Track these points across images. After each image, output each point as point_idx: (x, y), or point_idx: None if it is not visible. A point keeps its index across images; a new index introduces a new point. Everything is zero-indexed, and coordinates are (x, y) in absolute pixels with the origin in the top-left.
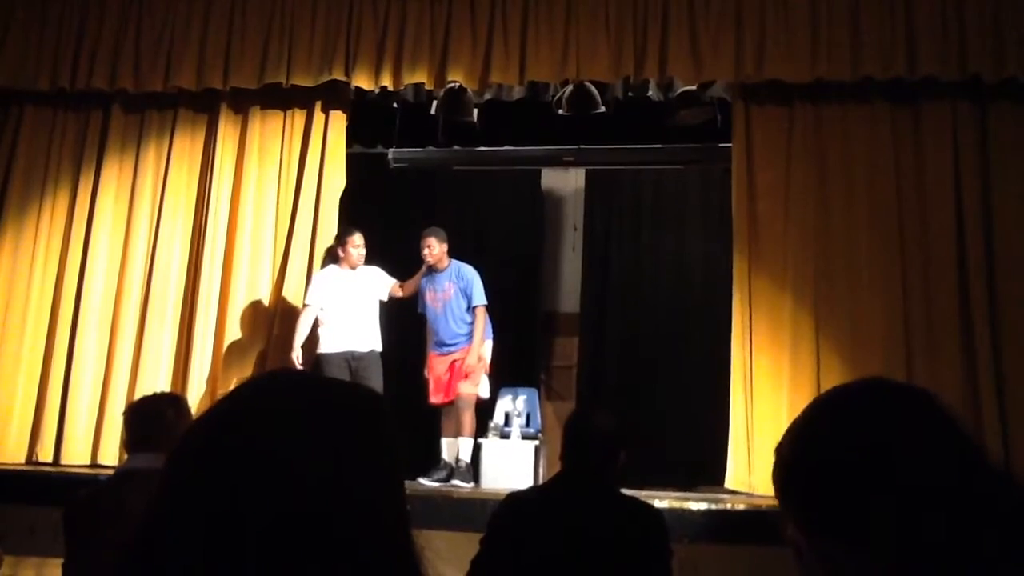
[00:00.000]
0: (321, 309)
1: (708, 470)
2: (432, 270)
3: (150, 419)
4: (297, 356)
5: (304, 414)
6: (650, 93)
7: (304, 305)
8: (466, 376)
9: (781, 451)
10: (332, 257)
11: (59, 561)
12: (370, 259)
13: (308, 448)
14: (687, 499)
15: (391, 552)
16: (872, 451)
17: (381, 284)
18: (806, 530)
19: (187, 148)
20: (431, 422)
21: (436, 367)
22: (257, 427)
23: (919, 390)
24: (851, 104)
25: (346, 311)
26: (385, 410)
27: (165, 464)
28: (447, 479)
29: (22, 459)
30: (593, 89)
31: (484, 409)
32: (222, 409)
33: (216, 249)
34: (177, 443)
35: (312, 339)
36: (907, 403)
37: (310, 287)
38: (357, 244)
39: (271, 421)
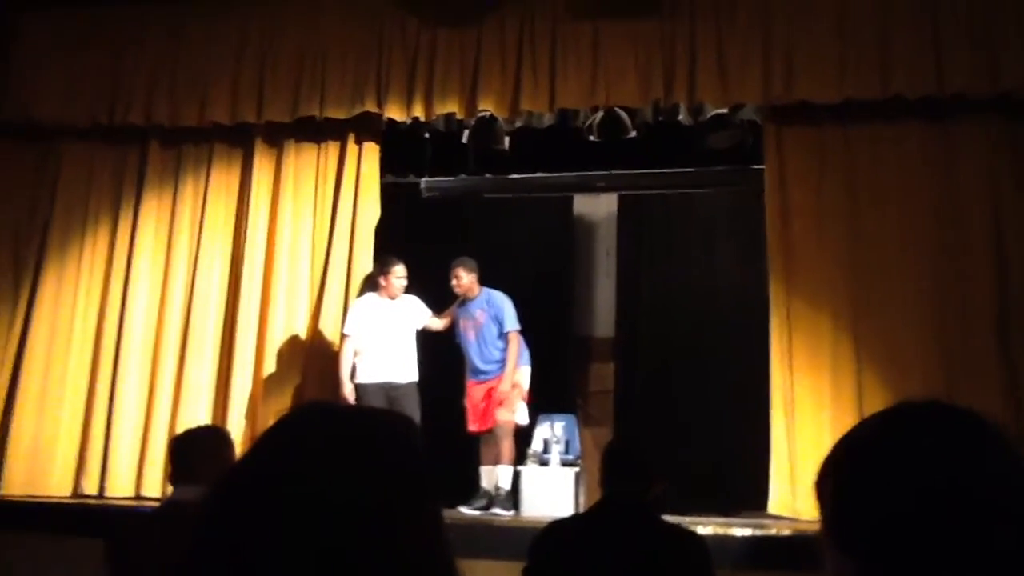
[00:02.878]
0: (360, 338)
1: (750, 495)
2: (464, 300)
3: (193, 452)
4: (349, 391)
5: (339, 448)
6: (680, 117)
7: (343, 336)
8: (501, 403)
9: (829, 465)
10: (371, 285)
11: None
12: (405, 288)
13: (345, 482)
14: (730, 525)
15: None
16: (927, 492)
17: (419, 314)
18: (834, 543)
19: (224, 182)
20: (470, 450)
21: (473, 395)
22: (294, 464)
23: (980, 419)
24: (882, 124)
25: (385, 341)
26: (418, 435)
27: (205, 500)
28: (487, 507)
29: (68, 492)
30: (623, 114)
31: (523, 436)
32: (259, 448)
33: (254, 282)
34: (218, 481)
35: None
36: (969, 436)
37: (348, 317)
38: (400, 275)
39: (307, 458)
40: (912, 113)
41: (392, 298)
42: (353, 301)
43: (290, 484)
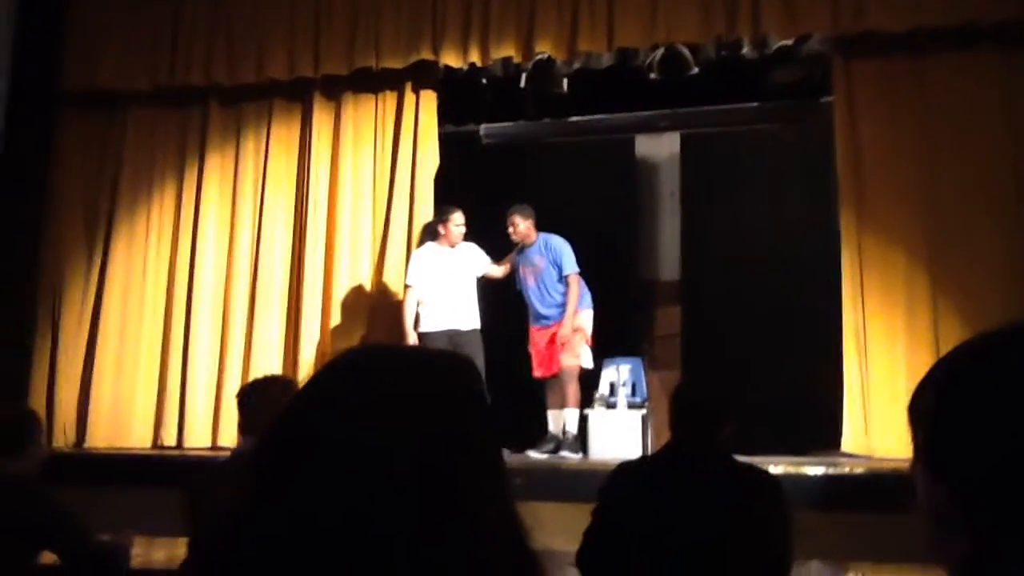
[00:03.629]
0: (422, 288)
1: (822, 434)
2: (522, 246)
3: (260, 402)
4: (414, 341)
5: (396, 387)
6: (744, 51)
7: (406, 286)
8: (564, 347)
9: (927, 384)
10: (430, 234)
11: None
12: (465, 236)
13: (402, 421)
14: (803, 464)
15: (495, 522)
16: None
17: (478, 261)
18: (926, 468)
19: (284, 137)
20: (537, 395)
21: (537, 340)
22: (348, 404)
23: None
24: (957, 52)
25: (446, 289)
26: (478, 375)
27: (257, 446)
28: (555, 451)
29: (148, 444)
30: (684, 51)
31: (589, 380)
32: (313, 388)
33: (318, 234)
34: (270, 425)
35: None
36: None
37: (409, 267)
38: (458, 223)
39: (362, 397)
40: (989, 40)
41: (452, 246)
42: (414, 250)
43: (345, 424)
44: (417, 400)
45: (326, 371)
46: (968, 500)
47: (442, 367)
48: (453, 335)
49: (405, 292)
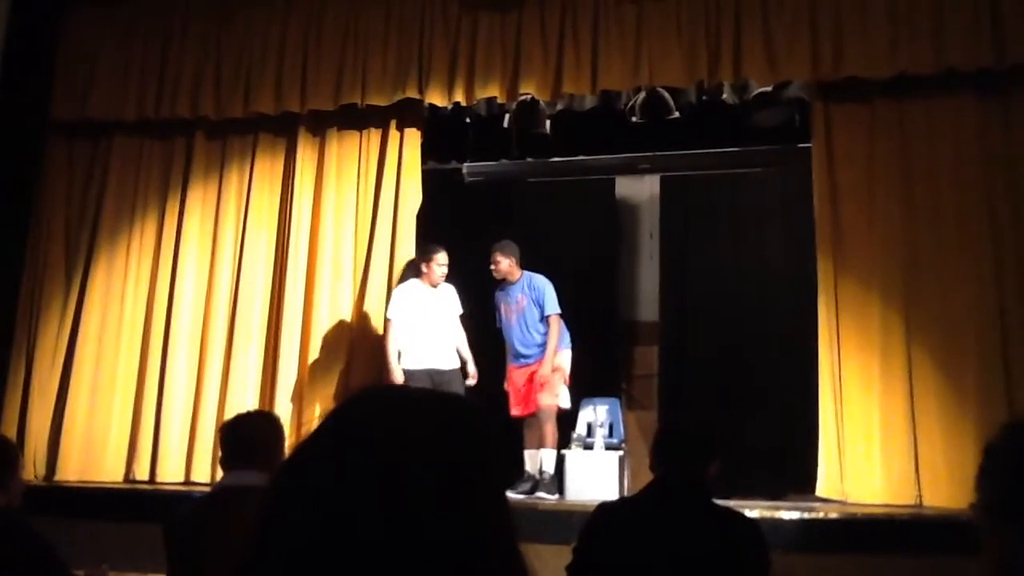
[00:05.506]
0: (403, 324)
1: (798, 478)
2: (504, 283)
3: (245, 437)
4: (399, 376)
5: (412, 427)
6: (725, 96)
7: (387, 320)
8: (542, 387)
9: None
10: (413, 270)
11: None
12: (448, 275)
13: (419, 461)
14: (778, 508)
15: (503, 561)
16: None
17: (455, 305)
18: (992, 514)
19: (268, 171)
20: (513, 434)
21: (515, 379)
22: (367, 442)
23: None
24: (935, 98)
25: (428, 327)
26: (484, 417)
27: (273, 480)
28: (531, 491)
29: (120, 478)
30: (666, 95)
31: (566, 420)
32: (329, 425)
33: (298, 269)
34: (287, 459)
35: None
36: None
37: (392, 302)
38: (442, 263)
39: (380, 435)
40: (968, 85)
41: (433, 286)
42: (396, 287)
43: (363, 462)
44: (438, 438)
45: (346, 407)
46: (990, 519)
47: (458, 409)
48: (434, 374)
49: (386, 325)
